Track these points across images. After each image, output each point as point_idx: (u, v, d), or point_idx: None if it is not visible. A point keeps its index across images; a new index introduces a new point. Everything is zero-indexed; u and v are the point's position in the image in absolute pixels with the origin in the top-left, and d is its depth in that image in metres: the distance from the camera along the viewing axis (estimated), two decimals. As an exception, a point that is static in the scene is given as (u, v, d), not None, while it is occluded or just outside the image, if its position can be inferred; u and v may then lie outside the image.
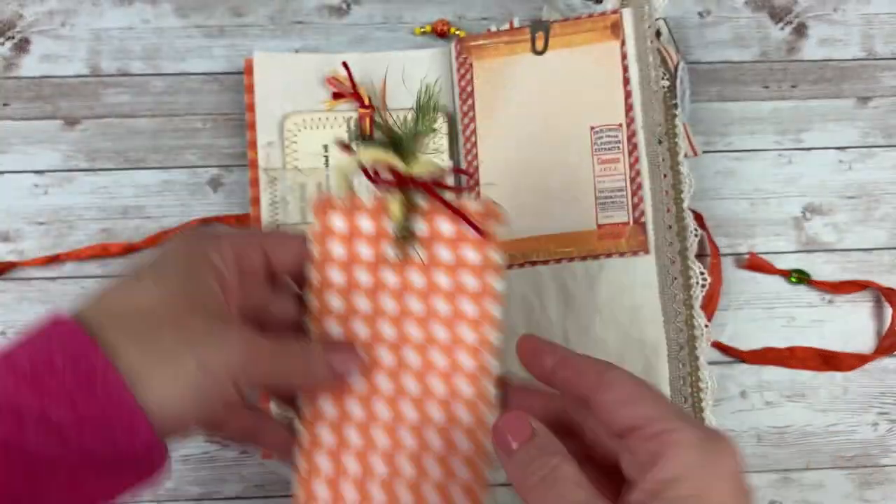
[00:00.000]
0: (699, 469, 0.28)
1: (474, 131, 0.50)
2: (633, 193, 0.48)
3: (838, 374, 0.52)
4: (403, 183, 0.34)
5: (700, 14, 0.55)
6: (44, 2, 0.54)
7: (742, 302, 0.53)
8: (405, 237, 0.35)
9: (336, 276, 0.35)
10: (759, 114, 0.54)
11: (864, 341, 0.53)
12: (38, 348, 0.24)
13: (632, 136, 0.48)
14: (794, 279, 0.52)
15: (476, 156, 0.50)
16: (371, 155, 0.34)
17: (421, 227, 0.35)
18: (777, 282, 0.53)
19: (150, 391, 0.25)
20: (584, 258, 0.48)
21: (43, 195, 0.52)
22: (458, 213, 0.34)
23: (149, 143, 0.53)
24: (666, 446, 0.28)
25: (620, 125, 0.48)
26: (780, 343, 0.52)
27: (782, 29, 0.55)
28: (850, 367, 0.52)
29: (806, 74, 0.55)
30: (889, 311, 0.52)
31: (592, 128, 0.48)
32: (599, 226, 0.48)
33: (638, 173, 0.48)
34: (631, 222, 0.48)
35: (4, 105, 0.53)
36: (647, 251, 0.48)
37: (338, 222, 0.35)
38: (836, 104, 0.55)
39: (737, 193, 0.54)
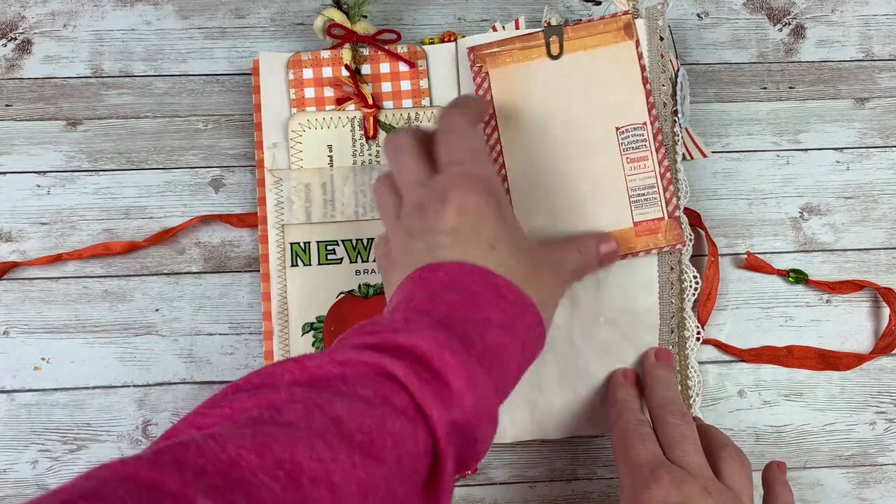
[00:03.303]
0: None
1: (498, 140, 0.50)
2: (665, 189, 0.48)
3: (836, 374, 0.53)
4: (351, 37, 0.50)
5: (698, 15, 0.56)
6: (46, 3, 0.54)
7: (740, 301, 0.53)
8: (356, 78, 0.50)
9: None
10: (756, 115, 0.55)
11: (861, 341, 0.53)
12: (461, 289, 0.35)
13: (657, 133, 0.48)
14: (791, 279, 0.53)
15: (503, 164, 0.49)
16: (329, 14, 0.50)
17: (366, 69, 0.51)
18: (775, 282, 0.53)
19: (537, 298, 0.38)
20: (623, 257, 0.48)
21: (45, 195, 0.52)
22: (393, 54, 0.51)
23: (151, 143, 0.53)
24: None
25: (645, 123, 0.48)
26: (778, 342, 0.53)
27: (780, 30, 0.56)
28: (848, 367, 0.52)
29: (804, 75, 0.55)
30: (886, 310, 0.53)
31: (618, 128, 0.49)
32: (636, 223, 0.48)
33: (668, 169, 0.48)
34: (666, 217, 0.48)
35: (7, 106, 0.53)
36: (684, 244, 0.48)
37: (307, 72, 0.51)
38: (834, 105, 0.55)
39: (735, 194, 0.54)
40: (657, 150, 0.48)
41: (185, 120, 0.53)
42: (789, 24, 0.56)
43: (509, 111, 0.49)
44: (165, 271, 0.52)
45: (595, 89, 0.49)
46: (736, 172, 0.54)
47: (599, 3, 0.54)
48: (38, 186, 0.52)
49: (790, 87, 0.55)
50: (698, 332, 0.50)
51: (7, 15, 0.54)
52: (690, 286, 0.50)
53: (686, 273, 0.50)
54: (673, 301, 0.49)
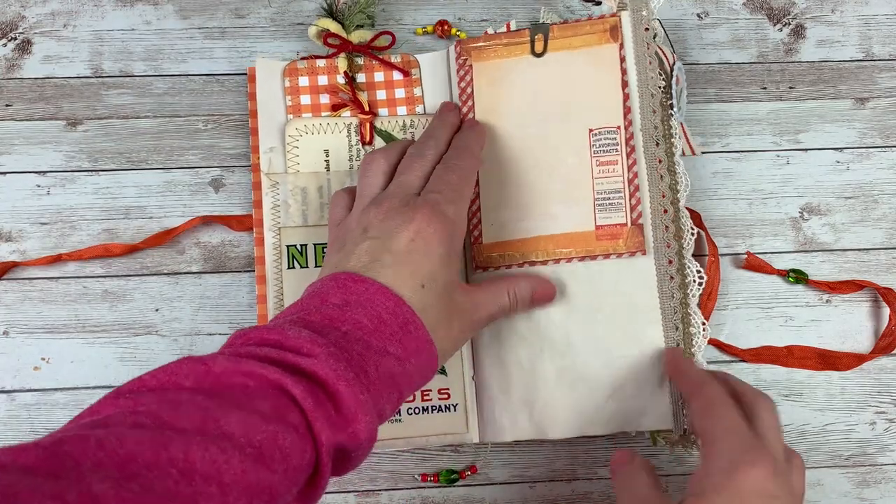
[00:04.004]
0: (717, 489, 0.36)
1: None
2: (631, 195, 0.48)
3: (836, 374, 0.53)
4: (346, 47, 0.51)
5: (698, 15, 0.56)
6: (46, 3, 0.54)
7: (740, 301, 0.53)
8: (352, 85, 0.51)
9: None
10: (756, 115, 0.55)
11: (861, 341, 0.53)
12: (371, 313, 0.38)
13: (630, 138, 0.48)
14: (791, 279, 0.53)
15: None
16: (324, 24, 0.51)
17: (361, 77, 0.52)
18: (775, 281, 0.53)
19: (439, 343, 0.40)
20: (582, 259, 0.48)
21: (45, 195, 0.52)
22: (388, 63, 0.52)
23: (150, 143, 0.53)
24: (704, 459, 0.39)
25: (619, 127, 0.48)
26: (778, 342, 0.53)
27: (780, 30, 0.56)
28: (848, 367, 0.52)
29: (804, 75, 0.55)
30: (886, 310, 0.53)
31: (591, 130, 0.49)
32: (598, 227, 0.48)
33: (636, 175, 0.48)
34: (629, 223, 0.48)
35: (7, 106, 0.53)
36: (644, 252, 0.48)
37: (303, 80, 0.51)
38: (834, 105, 0.55)
39: (735, 194, 0.54)
40: (628, 156, 0.48)
41: (185, 120, 0.53)
42: (789, 24, 0.56)
43: (488, 105, 0.50)
44: (165, 271, 0.52)
45: (573, 89, 0.49)
46: (736, 172, 0.54)
47: (599, 3, 0.54)
48: (38, 186, 0.52)
49: (790, 87, 0.55)
50: (704, 328, 0.49)
51: (7, 15, 0.54)
52: (694, 281, 0.49)
53: (689, 268, 0.49)
54: (674, 295, 0.48)
